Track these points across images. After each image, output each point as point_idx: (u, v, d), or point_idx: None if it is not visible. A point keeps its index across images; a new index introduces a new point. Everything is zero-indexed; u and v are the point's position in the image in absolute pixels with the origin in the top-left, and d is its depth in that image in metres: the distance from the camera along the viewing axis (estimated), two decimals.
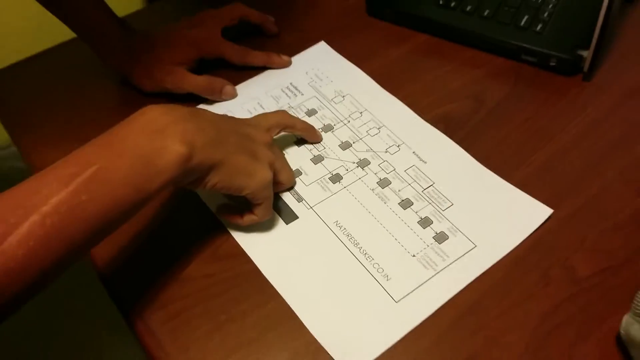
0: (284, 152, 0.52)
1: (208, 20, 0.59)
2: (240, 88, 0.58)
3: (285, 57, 0.60)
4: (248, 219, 0.45)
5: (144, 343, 0.41)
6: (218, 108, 0.57)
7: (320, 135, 0.53)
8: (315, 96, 0.57)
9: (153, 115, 0.37)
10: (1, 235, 0.30)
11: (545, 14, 0.60)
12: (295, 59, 0.61)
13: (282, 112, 0.51)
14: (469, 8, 0.62)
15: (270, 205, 0.45)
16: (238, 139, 0.42)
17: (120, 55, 0.56)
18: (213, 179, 0.40)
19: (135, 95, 0.58)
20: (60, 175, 0.33)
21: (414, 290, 0.42)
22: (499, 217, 0.46)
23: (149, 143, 0.36)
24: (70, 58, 0.63)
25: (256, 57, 0.60)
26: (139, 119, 0.37)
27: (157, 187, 0.36)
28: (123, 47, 0.56)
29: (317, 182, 0.49)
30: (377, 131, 0.53)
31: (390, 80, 0.58)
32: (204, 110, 0.43)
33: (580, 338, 0.40)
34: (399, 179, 0.49)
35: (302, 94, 0.57)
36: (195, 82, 0.56)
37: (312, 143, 0.53)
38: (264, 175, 0.42)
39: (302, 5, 0.68)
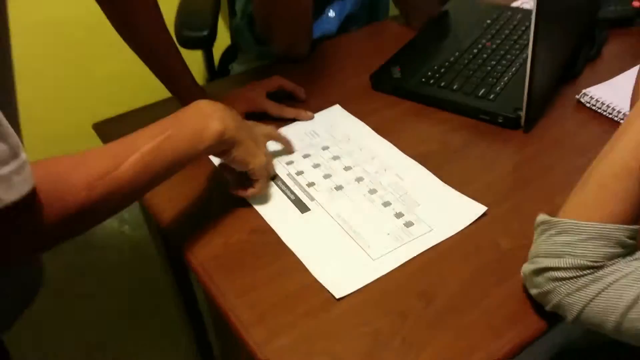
0: (303, 171, 0.74)
1: (257, 87, 0.85)
2: None
3: (309, 113, 0.84)
4: (250, 191, 0.67)
5: (197, 273, 0.61)
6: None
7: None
8: (329, 138, 0.80)
9: (203, 105, 0.61)
10: (118, 163, 0.51)
11: (497, 88, 0.84)
12: (317, 114, 0.85)
13: (270, 127, 0.74)
14: (443, 84, 0.86)
15: (265, 182, 0.67)
16: (250, 130, 0.65)
17: None
18: (234, 152, 0.62)
19: None
20: (149, 134, 0.55)
21: (386, 253, 0.62)
22: (450, 212, 0.66)
23: (201, 121, 0.59)
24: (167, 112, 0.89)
25: (289, 112, 0.84)
26: (195, 106, 0.61)
27: (203, 149, 0.58)
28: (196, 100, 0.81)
29: (326, 190, 0.71)
30: (371, 160, 0.75)
31: (384, 130, 0.80)
32: (231, 107, 0.65)
33: (498, 282, 0.58)
34: (383, 189, 0.70)
35: (320, 137, 0.80)
36: None
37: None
38: (262, 158, 0.65)
39: (325, 79, 0.93)
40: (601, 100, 0.80)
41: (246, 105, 0.82)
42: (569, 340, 0.78)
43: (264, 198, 0.70)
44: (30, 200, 0.42)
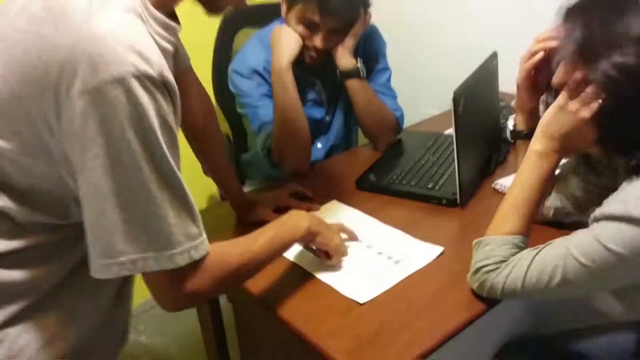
0: None
1: (279, 192, 1.24)
2: None
3: (317, 206, 1.24)
4: (329, 263, 1.02)
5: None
6: None
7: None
8: (332, 220, 1.18)
9: (295, 214, 0.97)
10: (250, 247, 0.85)
11: (440, 182, 1.26)
12: (322, 207, 1.24)
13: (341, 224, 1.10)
14: (404, 182, 1.28)
15: (338, 257, 1.01)
16: (327, 226, 1.01)
17: (241, 207, 1.20)
18: (317, 239, 0.98)
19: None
20: (264, 234, 0.89)
21: (384, 278, 0.98)
22: (420, 253, 1.05)
23: (295, 223, 0.95)
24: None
25: (304, 206, 1.22)
26: (290, 214, 0.97)
27: (299, 238, 0.94)
28: (243, 203, 1.20)
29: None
30: (364, 230, 1.14)
31: (368, 213, 1.20)
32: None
33: (453, 288, 0.95)
34: (375, 244, 1.08)
35: (326, 220, 1.19)
36: (274, 217, 1.18)
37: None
38: (337, 242, 1.01)
39: (322, 185, 1.34)
40: (507, 186, 1.23)
41: (275, 202, 1.21)
42: (517, 332, 1.12)
43: (301, 256, 1.06)
44: (202, 262, 0.76)
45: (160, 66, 0.66)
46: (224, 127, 1.81)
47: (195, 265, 0.74)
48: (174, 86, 0.69)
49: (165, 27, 0.73)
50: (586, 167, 1.03)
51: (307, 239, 0.98)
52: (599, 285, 0.88)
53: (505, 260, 0.88)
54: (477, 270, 0.90)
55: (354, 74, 1.39)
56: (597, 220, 0.81)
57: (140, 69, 0.63)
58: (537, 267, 0.84)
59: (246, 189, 1.62)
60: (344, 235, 1.09)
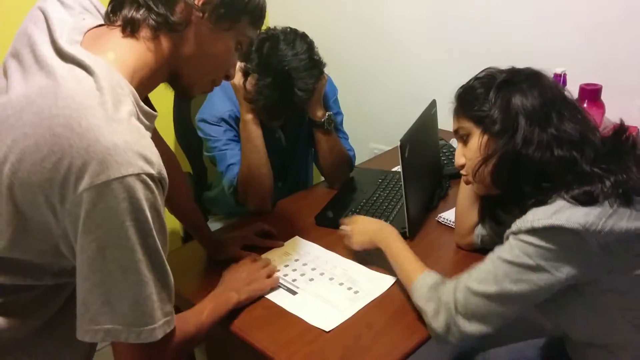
0: (287, 274, 1.23)
1: (248, 230, 1.36)
2: (263, 257, 1.31)
3: (281, 242, 1.35)
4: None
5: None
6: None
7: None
8: (297, 255, 1.31)
9: (224, 289, 1.10)
10: (199, 317, 0.98)
11: (391, 217, 1.41)
12: (286, 243, 1.36)
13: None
14: None
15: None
16: (248, 281, 1.14)
17: (211, 247, 1.30)
18: (248, 300, 1.11)
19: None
20: (207, 306, 1.02)
21: (346, 307, 1.11)
22: (376, 283, 1.18)
23: (226, 299, 1.07)
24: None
25: (268, 243, 1.34)
26: (224, 287, 1.10)
27: (230, 308, 1.07)
28: (213, 242, 1.30)
29: (303, 281, 1.20)
30: (325, 263, 1.26)
31: (328, 247, 1.33)
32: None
33: (405, 314, 1.09)
34: (336, 276, 1.21)
35: (291, 254, 1.31)
36: (242, 254, 1.29)
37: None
38: (261, 286, 1.15)
39: (285, 222, 1.46)
40: (449, 219, 1.39)
41: (243, 241, 1.32)
42: (466, 345, 1.27)
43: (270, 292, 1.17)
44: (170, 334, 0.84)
45: (159, 166, 0.77)
46: (186, 165, 1.91)
47: (165, 337, 0.84)
48: (167, 180, 0.80)
49: (149, 117, 0.83)
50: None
51: (240, 305, 1.11)
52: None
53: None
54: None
55: (320, 125, 1.54)
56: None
57: (144, 170, 0.74)
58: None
59: (211, 223, 1.74)
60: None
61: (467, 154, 1.06)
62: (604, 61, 1.58)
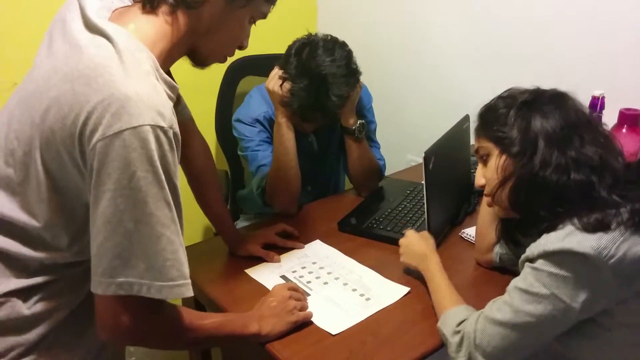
0: (303, 275, 1.25)
1: (270, 229, 1.39)
2: (282, 257, 1.34)
3: (301, 244, 1.38)
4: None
5: None
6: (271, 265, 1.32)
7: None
8: (315, 258, 1.33)
9: (250, 313, 1.08)
10: (200, 327, 0.95)
11: (414, 228, 1.41)
12: (306, 245, 1.38)
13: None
14: (382, 227, 1.43)
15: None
16: (277, 312, 1.09)
17: (232, 242, 1.34)
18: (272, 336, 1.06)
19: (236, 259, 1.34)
20: (216, 317, 1.00)
21: (356, 313, 1.12)
22: (389, 292, 1.19)
23: (245, 323, 1.02)
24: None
25: (289, 244, 1.37)
26: (248, 313, 1.09)
27: (244, 337, 1.02)
28: (235, 238, 1.34)
29: (318, 285, 1.22)
30: (342, 268, 1.28)
31: (348, 253, 1.34)
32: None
33: (414, 325, 1.09)
34: (351, 282, 1.23)
35: (309, 257, 1.33)
36: (262, 252, 1.32)
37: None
38: (290, 319, 1.08)
39: (308, 226, 1.48)
40: (471, 234, 1.38)
41: (265, 240, 1.35)
42: None
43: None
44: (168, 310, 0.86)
45: (171, 121, 0.80)
46: (224, 164, 1.97)
47: (172, 308, 0.86)
48: (179, 137, 0.82)
49: (170, 87, 0.87)
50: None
51: (262, 340, 1.05)
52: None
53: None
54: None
55: (351, 132, 1.56)
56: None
57: (156, 122, 0.76)
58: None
59: (241, 221, 1.78)
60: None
61: (486, 174, 1.05)
62: None
